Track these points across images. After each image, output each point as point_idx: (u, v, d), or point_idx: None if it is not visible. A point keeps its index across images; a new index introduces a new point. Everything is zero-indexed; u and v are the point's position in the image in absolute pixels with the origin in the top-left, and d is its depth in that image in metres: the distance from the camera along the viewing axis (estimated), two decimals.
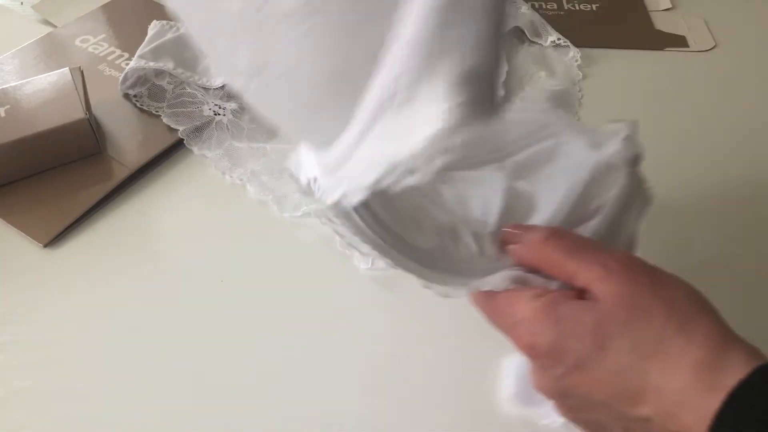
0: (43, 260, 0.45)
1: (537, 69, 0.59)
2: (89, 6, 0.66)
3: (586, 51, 0.61)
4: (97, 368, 0.39)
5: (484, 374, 0.37)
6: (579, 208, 0.32)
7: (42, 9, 0.67)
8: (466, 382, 0.37)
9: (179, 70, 0.54)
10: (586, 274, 0.27)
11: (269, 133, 0.53)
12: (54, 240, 0.46)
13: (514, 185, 0.34)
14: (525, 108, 0.36)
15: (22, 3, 0.68)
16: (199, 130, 0.52)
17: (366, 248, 0.33)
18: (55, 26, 0.65)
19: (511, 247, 0.31)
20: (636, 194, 0.32)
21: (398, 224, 0.34)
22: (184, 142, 0.51)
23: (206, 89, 0.54)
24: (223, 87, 0.54)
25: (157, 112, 0.53)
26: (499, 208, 0.33)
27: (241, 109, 0.53)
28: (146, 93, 0.56)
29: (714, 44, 0.63)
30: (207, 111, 0.53)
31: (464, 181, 0.35)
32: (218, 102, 0.54)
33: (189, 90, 0.54)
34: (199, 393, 0.38)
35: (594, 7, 0.68)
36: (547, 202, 0.33)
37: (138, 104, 0.55)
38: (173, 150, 0.51)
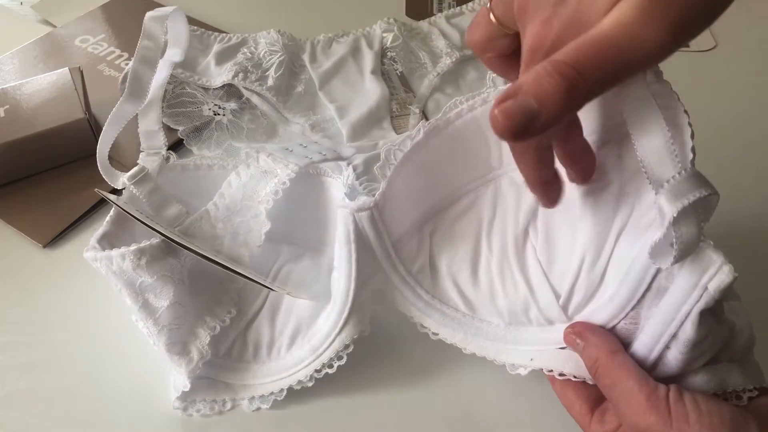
0: (43, 260, 0.45)
1: None
2: (89, 6, 0.66)
3: None
4: (97, 368, 0.39)
5: None
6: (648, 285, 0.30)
7: (42, 9, 0.67)
8: None
9: (179, 70, 0.54)
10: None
11: (269, 132, 0.53)
12: (54, 240, 0.46)
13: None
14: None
15: (21, 3, 0.68)
16: (198, 130, 0.52)
17: None
18: (54, 26, 0.65)
19: (575, 340, 0.32)
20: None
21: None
22: (184, 142, 0.51)
23: (206, 89, 0.54)
24: (222, 87, 0.54)
25: None
26: (572, 278, 0.33)
27: (241, 109, 0.53)
28: None
29: (714, 44, 0.63)
30: (206, 111, 0.53)
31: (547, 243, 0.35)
32: (218, 102, 0.54)
33: (188, 90, 0.54)
34: None
35: None
36: (616, 274, 0.32)
37: None
38: (172, 150, 0.51)
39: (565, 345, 0.33)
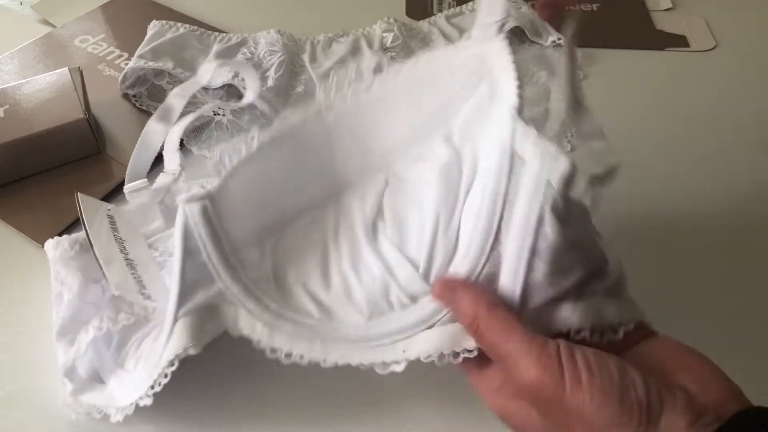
0: (43, 260, 0.45)
1: (537, 69, 0.59)
2: (88, 6, 0.66)
3: (587, 51, 0.61)
4: None
5: None
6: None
7: (41, 9, 0.67)
8: None
9: (179, 70, 0.54)
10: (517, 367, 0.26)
11: None
12: None
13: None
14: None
15: (21, 3, 0.68)
16: (198, 130, 0.52)
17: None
18: (54, 26, 0.65)
19: (446, 293, 0.30)
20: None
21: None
22: (183, 141, 0.51)
23: (206, 89, 0.54)
24: (222, 87, 0.54)
25: None
26: (429, 245, 0.31)
27: (241, 109, 0.53)
28: (145, 93, 0.56)
29: (715, 44, 0.63)
30: (206, 111, 0.53)
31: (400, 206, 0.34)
32: (218, 102, 0.53)
33: None
34: (198, 392, 0.38)
35: (594, 7, 0.68)
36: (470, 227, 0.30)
37: (137, 104, 0.55)
38: None
39: (433, 322, 0.30)
